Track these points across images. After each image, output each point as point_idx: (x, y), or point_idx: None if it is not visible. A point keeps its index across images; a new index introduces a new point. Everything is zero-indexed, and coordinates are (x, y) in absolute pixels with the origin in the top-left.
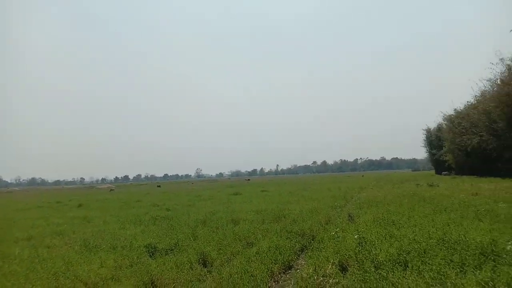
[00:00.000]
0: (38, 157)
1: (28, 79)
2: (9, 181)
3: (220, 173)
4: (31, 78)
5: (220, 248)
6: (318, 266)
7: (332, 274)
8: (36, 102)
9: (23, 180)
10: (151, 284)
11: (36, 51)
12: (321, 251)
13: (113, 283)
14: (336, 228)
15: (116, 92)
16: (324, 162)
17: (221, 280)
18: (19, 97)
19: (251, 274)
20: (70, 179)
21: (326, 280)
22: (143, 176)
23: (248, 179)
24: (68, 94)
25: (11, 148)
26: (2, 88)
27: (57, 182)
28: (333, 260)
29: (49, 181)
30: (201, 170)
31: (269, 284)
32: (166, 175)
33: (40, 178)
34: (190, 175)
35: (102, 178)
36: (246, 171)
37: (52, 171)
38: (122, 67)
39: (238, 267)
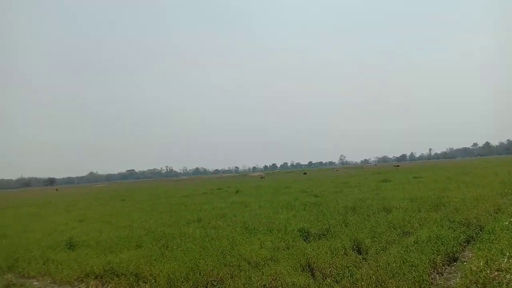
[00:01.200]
0: (200, 149)
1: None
2: (178, 171)
3: (365, 160)
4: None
5: (374, 236)
6: (491, 259)
7: (510, 269)
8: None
9: (189, 170)
10: (308, 267)
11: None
12: (492, 243)
13: (272, 263)
14: (510, 218)
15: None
16: (487, 144)
17: (378, 268)
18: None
19: (411, 264)
20: (227, 168)
21: (502, 275)
22: (289, 164)
23: (397, 165)
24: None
25: (180, 143)
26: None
27: (216, 171)
28: (510, 253)
29: (210, 170)
30: (345, 157)
31: (432, 276)
32: (310, 162)
33: (202, 168)
34: (334, 162)
35: (253, 166)
36: (394, 156)
37: (212, 162)
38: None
39: (395, 256)
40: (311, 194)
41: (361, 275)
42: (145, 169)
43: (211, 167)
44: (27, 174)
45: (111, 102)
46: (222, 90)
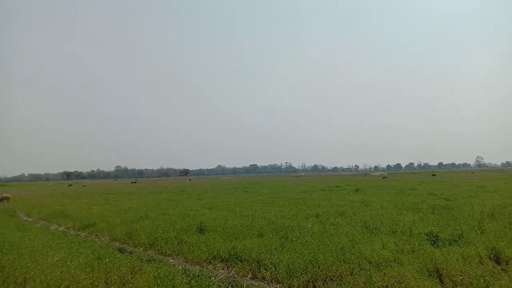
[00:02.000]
0: (319, 146)
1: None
2: (296, 167)
3: (508, 162)
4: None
5: None
6: None
7: None
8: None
9: (308, 166)
10: (436, 273)
11: None
12: None
13: (395, 265)
14: None
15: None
16: None
17: None
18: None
19: None
20: (346, 166)
21: None
22: (415, 164)
23: None
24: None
25: (299, 141)
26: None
27: (335, 169)
28: None
29: (328, 168)
30: (482, 159)
31: None
32: (440, 163)
33: (320, 165)
34: (469, 164)
35: (375, 165)
36: None
37: (330, 159)
38: None
39: None
40: (441, 197)
41: (500, 286)
42: (266, 164)
43: (329, 165)
44: (166, 165)
45: (240, 104)
46: (350, 88)
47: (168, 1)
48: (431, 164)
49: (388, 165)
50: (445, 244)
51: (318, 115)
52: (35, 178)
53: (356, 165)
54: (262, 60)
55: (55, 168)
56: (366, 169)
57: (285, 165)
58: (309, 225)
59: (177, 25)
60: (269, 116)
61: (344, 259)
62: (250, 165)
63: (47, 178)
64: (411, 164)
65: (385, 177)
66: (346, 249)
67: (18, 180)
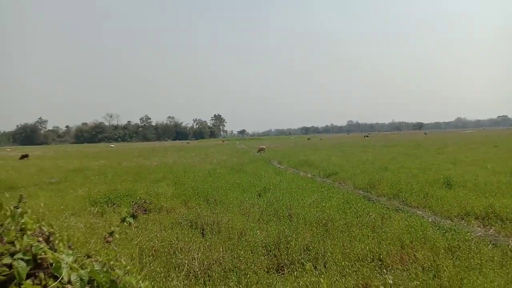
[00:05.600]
0: None
1: None
2: None
3: None
4: None
5: None
6: None
7: None
8: None
9: None
10: None
11: None
12: None
13: None
14: None
15: None
16: None
17: None
18: None
19: None
20: None
21: None
22: None
23: None
24: None
25: None
26: None
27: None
28: None
29: None
30: None
31: None
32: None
33: None
34: None
35: None
36: None
37: None
38: None
39: None
40: None
41: None
42: None
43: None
44: (398, 118)
45: None
46: None
47: None
48: None
49: None
50: None
51: None
52: (280, 133)
53: None
54: None
55: (295, 124)
56: None
57: None
58: None
59: None
60: None
61: None
62: (499, 116)
63: (289, 132)
64: None
65: None
66: None
67: (267, 134)
